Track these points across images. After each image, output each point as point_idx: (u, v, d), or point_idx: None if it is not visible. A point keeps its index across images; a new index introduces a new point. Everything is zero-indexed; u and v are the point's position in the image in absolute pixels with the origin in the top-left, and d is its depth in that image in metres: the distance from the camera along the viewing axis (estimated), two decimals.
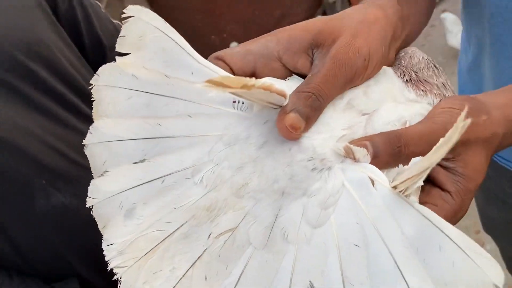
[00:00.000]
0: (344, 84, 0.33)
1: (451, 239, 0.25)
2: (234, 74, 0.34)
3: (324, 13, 3.06)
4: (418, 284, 0.25)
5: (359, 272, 0.27)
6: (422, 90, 0.37)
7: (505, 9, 0.51)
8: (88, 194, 0.35)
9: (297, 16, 3.07)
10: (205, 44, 3.19)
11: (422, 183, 0.27)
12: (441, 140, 0.25)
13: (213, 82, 0.25)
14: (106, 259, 0.33)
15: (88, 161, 0.69)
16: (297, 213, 0.29)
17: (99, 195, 0.34)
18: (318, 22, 0.36)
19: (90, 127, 0.35)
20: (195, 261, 0.31)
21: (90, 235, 0.70)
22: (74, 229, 0.72)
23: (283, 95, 0.29)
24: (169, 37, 0.32)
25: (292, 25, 0.37)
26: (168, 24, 0.33)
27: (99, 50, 0.84)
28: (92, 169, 0.35)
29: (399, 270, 0.26)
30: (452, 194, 0.32)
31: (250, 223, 0.30)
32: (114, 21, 0.91)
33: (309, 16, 3.08)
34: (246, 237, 0.30)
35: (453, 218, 0.33)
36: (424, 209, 0.27)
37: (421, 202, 0.29)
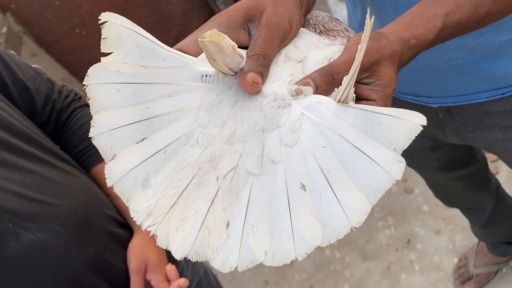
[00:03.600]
0: (279, 43, 0.43)
1: (384, 114, 0.36)
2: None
3: None
4: (372, 150, 0.36)
5: (331, 162, 0.37)
6: (332, 36, 0.48)
7: None
8: (106, 176, 0.40)
9: (192, 31, 3.17)
10: None
11: (353, 93, 0.38)
12: (357, 53, 0.36)
13: (205, 38, 0.33)
14: (138, 223, 0.40)
15: (46, 196, 0.72)
16: (276, 141, 0.39)
17: (115, 175, 0.40)
18: (245, 2, 0.45)
19: (91, 121, 0.40)
20: (212, 199, 0.39)
21: (64, 265, 0.74)
22: (49, 262, 0.74)
23: (241, 56, 0.39)
24: (139, 34, 0.39)
25: (226, 9, 0.46)
26: (135, 24, 0.40)
27: (26, 95, 0.86)
28: (102, 156, 0.41)
29: (357, 148, 0.37)
30: (376, 100, 0.43)
31: (245, 159, 0.39)
32: (33, 65, 0.94)
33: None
34: (245, 170, 0.39)
35: None
36: (360, 105, 0.38)
37: None
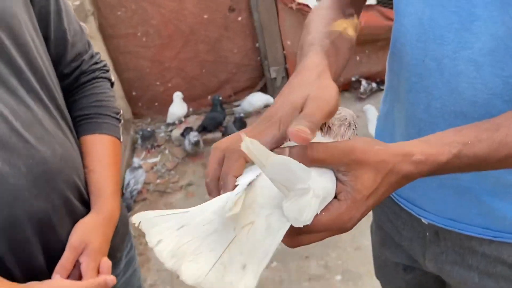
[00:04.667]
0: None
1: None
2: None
3: (265, 86, 3.29)
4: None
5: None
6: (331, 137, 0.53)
7: (422, 62, 0.66)
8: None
9: (238, 83, 3.28)
10: (149, 89, 3.28)
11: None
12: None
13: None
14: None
15: (28, 133, 0.72)
16: None
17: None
18: (299, 99, 0.51)
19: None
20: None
21: (8, 206, 0.71)
22: (1, 194, 0.71)
23: None
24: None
25: (282, 105, 0.51)
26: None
27: (61, 43, 0.88)
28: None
29: None
30: (341, 200, 0.45)
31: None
32: (82, 23, 0.98)
33: (250, 85, 3.29)
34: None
35: (337, 219, 0.45)
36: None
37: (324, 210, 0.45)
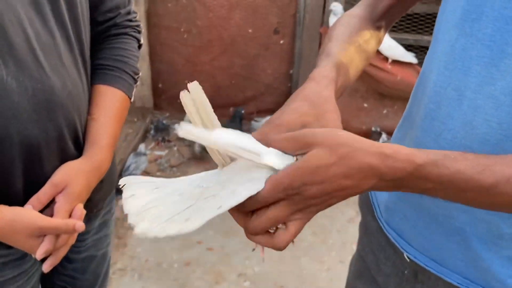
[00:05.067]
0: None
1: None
2: None
3: None
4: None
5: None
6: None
7: (444, 90, 0.65)
8: None
9: (263, 103, 3.30)
10: (176, 85, 3.32)
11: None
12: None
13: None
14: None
15: (44, 59, 0.73)
16: None
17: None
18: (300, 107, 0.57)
19: None
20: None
21: (10, 123, 0.71)
22: (2, 107, 0.71)
23: None
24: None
25: (285, 112, 0.56)
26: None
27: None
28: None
29: None
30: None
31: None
32: None
33: (274, 108, 3.30)
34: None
35: (278, 184, 0.48)
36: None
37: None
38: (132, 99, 0.96)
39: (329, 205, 0.51)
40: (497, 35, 0.57)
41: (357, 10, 0.80)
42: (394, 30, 2.93)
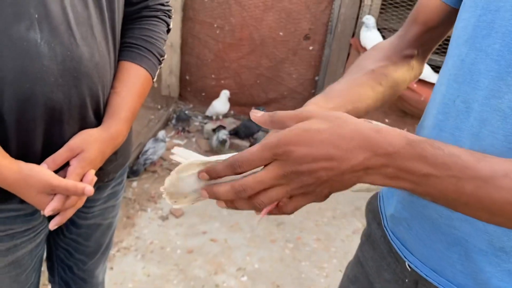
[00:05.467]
0: None
1: None
2: None
3: None
4: None
5: None
6: None
7: (452, 102, 0.66)
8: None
9: (284, 107, 3.33)
10: (203, 79, 3.38)
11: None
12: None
13: None
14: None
15: (76, 28, 0.78)
16: None
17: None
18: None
19: None
20: None
21: (37, 84, 0.76)
22: (29, 67, 0.76)
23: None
24: None
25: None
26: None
27: None
28: None
29: None
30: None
31: None
32: None
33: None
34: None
35: (269, 139, 0.51)
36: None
37: None
38: (154, 79, 1.01)
39: (321, 186, 0.52)
40: (505, 50, 0.59)
41: (385, 42, 0.83)
42: None
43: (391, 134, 0.49)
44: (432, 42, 0.83)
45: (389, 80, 0.78)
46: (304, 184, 0.51)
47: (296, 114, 0.53)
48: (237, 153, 0.54)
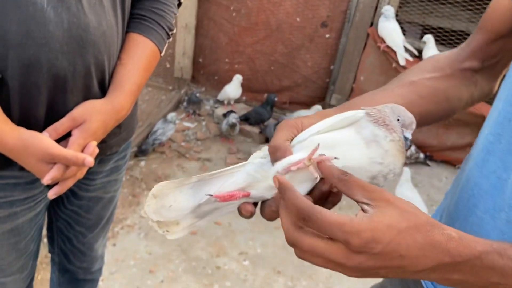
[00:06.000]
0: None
1: None
2: None
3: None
4: None
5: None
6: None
7: (508, 122, 0.57)
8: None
9: (297, 95, 3.29)
10: (216, 62, 3.35)
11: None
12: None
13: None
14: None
15: (86, 0, 0.76)
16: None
17: None
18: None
19: None
20: None
21: (42, 50, 0.74)
22: (35, 31, 0.74)
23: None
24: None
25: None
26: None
27: None
28: None
29: None
30: (357, 216, 0.45)
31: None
32: None
33: (307, 101, 3.29)
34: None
35: (343, 224, 0.44)
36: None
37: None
38: (162, 54, 0.99)
39: (374, 273, 0.47)
40: None
41: (444, 52, 0.73)
42: None
43: (454, 242, 0.46)
44: (503, 53, 0.70)
45: (434, 94, 0.68)
46: (363, 269, 0.47)
47: (365, 189, 0.47)
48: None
